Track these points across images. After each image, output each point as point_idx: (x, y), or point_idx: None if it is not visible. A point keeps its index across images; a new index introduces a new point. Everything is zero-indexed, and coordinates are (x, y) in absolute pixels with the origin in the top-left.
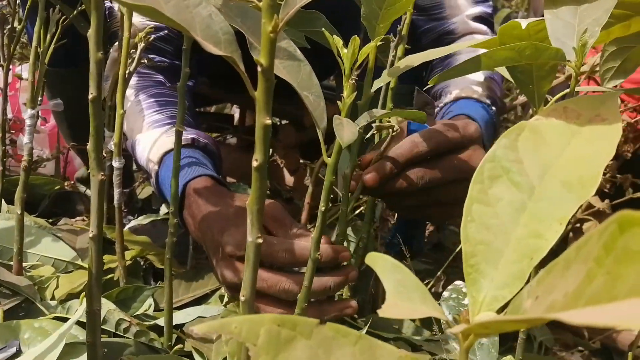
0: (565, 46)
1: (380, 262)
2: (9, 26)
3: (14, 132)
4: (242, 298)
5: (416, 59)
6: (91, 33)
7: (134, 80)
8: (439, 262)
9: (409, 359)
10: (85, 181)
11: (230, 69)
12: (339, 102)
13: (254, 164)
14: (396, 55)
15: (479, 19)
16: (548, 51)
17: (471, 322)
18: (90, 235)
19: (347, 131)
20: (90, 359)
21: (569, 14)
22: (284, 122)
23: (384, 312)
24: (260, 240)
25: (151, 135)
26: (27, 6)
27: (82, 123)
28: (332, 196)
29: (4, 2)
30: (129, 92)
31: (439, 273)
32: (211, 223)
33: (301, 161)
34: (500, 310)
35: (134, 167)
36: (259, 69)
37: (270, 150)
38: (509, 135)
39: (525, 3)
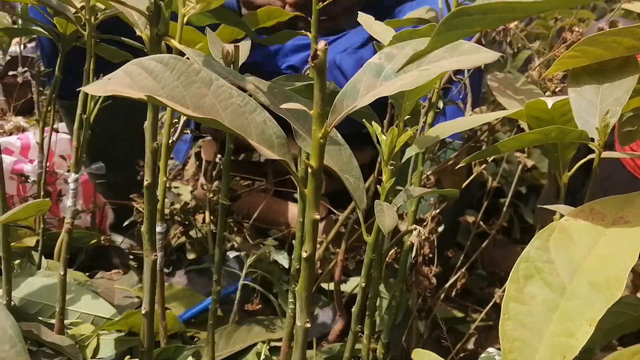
0: (588, 124)
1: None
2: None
3: (48, 184)
4: None
5: (447, 129)
6: (147, 125)
7: None
8: (466, 308)
9: None
10: (116, 227)
11: None
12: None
13: (304, 254)
14: (426, 121)
15: None
16: (572, 133)
17: None
18: (143, 312)
19: (387, 217)
20: None
21: (591, 93)
22: None
23: None
24: (308, 325)
25: None
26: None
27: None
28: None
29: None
30: None
31: (470, 330)
32: None
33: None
34: None
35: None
36: (309, 170)
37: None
38: (541, 236)
39: (548, 46)
